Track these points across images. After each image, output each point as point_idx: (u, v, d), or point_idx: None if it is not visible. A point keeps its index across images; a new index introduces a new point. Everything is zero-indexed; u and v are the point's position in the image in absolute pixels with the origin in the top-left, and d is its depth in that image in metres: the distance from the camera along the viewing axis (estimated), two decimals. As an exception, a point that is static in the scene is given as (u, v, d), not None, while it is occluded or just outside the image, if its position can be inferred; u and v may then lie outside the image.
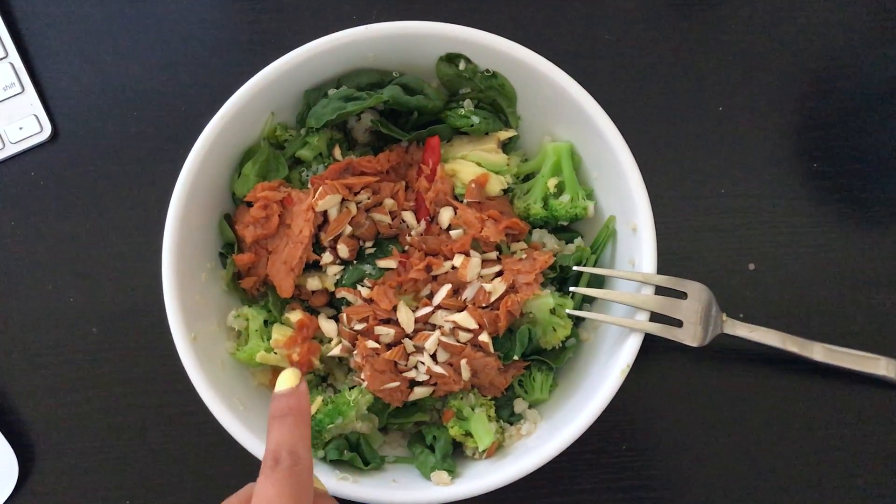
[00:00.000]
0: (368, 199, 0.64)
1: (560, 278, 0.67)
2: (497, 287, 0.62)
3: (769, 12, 0.80)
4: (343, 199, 0.63)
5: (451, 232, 0.65)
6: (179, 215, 0.61)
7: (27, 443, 0.71)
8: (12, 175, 0.76)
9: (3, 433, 0.70)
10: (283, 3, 0.79)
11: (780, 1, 0.80)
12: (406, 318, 0.62)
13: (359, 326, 0.63)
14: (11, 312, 0.74)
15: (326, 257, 0.64)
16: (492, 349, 0.62)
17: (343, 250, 0.64)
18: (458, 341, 0.62)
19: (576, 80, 0.63)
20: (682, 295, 0.63)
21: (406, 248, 0.65)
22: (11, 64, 0.77)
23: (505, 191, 0.68)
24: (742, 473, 0.71)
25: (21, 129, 0.76)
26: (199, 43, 0.79)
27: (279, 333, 0.63)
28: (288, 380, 0.51)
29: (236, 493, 0.50)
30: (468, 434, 0.63)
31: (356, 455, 0.62)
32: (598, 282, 0.66)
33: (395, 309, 0.63)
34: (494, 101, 0.67)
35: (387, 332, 0.62)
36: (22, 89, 0.77)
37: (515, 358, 0.63)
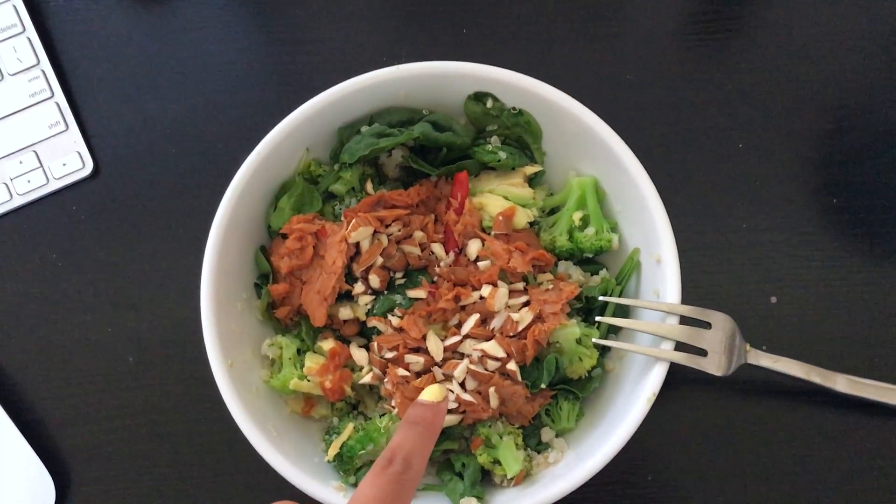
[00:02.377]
0: (399, 231, 0.66)
1: (586, 309, 0.68)
2: (524, 317, 0.64)
3: (787, 52, 0.82)
4: (375, 231, 0.65)
5: (478, 263, 0.66)
6: (218, 247, 0.63)
7: (64, 470, 0.73)
8: (55, 209, 0.79)
9: (41, 459, 0.72)
10: (317, 44, 0.83)
11: (798, 40, 0.82)
12: (435, 346, 0.64)
13: (389, 355, 0.64)
14: (51, 341, 0.76)
15: (358, 287, 0.66)
16: (519, 377, 0.64)
17: (374, 281, 0.66)
18: (486, 370, 0.63)
19: (599, 117, 0.65)
20: (707, 325, 0.64)
21: (435, 278, 0.67)
22: (57, 103, 0.80)
23: (531, 223, 0.69)
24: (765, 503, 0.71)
25: (64, 165, 0.79)
26: (235, 83, 0.82)
27: (312, 361, 0.65)
28: (433, 393, 0.52)
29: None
30: (496, 462, 0.64)
31: (386, 482, 0.63)
32: (623, 312, 0.67)
33: (424, 338, 0.64)
34: (520, 137, 0.69)
35: (416, 361, 0.63)
36: (66, 127, 0.80)
37: (543, 386, 0.64)
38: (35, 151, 0.79)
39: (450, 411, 0.64)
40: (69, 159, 0.79)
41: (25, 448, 0.72)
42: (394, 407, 0.63)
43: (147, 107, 0.81)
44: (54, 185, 0.79)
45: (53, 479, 0.72)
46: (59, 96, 0.80)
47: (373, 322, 0.65)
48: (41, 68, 0.81)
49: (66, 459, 0.73)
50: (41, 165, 0.79)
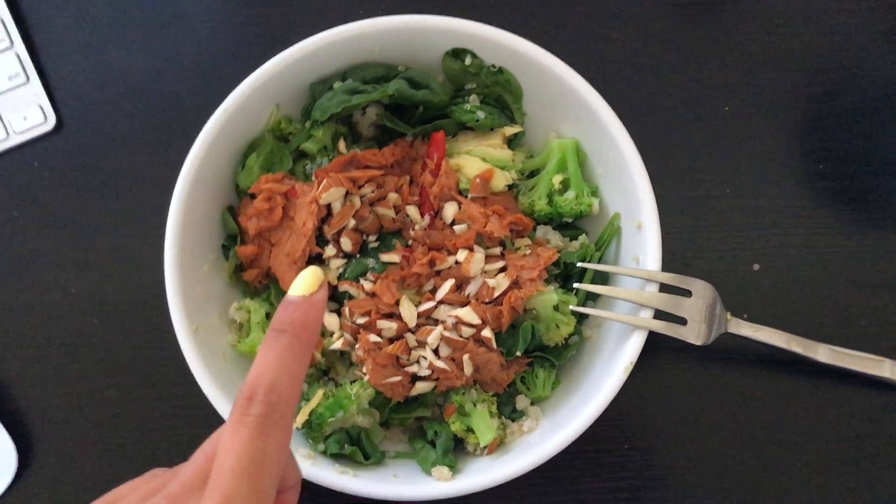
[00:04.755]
0: (372, 192, 0.64)
1: (564, 275, 0.66)
2: (500, 283, 0.62)
3: (775, 14, 0.80)
4: (347, 193, 0.63)
5: (455, 227, 0.65)
6: (182, 206, 0.61)
7: (26, 433, 0.71)
8: (16, 165, 0.76)
9: (3, 423, 0.70)
10: (290, -4, 0.80)
11: (786, 3, 0.80)
12: (409, 312, 0.62)
13: (361, 320, 0.62)
14: (13, 302, 0.74)
15: (329, 250, 0.64)
16: (494, 345, 0.62)
17: (346, 244, 0.64)
18: (460, 336, 0.62)
19: (582, 77, 0.63)
20: (687, 293, 0.63)
21: (410, 242, 0.65)
22: (17, 54, 0.77)
23: (510, 187, 0.67)
24: (744, 474, 0.71)
25: (25, 118, 0.76)
26: (205, 35, 0.79)
27: (281, 326, 0.63)
28: (304, 282, 0.39)
29: (208, 441, 0.41)
30: (470, 430, 0.63)
31: (356, 449, 0.62)
32: (602, 279, 0.65)
33: (397, 303, 0.62)
34: (500, 96, 0.67)
35: (389, 327, 0.62)
36: (27, 79, 0.77)
37: (518, 354, 0.63)
38: (-6, 104, 0.76)
39: (422, 378, 0.62)
40: (30, 113, 0.76)
41: (-14, 411, 0.70)
42: (365, 374, 0.62)
43: (112, 59, 0.78)
44: (15, 140, 0.76)
45: (15, 443, 0.70)
46: (20, 46, 0.77)
47: (344, 286, 0.64)
48: (0, 17, 0.77)
49: (29, 424, 0.71)
50: (1, 119, 0.76)
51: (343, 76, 0.65)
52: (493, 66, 0.65)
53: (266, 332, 0.40)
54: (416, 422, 0.66)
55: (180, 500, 0.38)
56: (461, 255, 0.63)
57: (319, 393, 0.62)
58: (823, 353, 0.69)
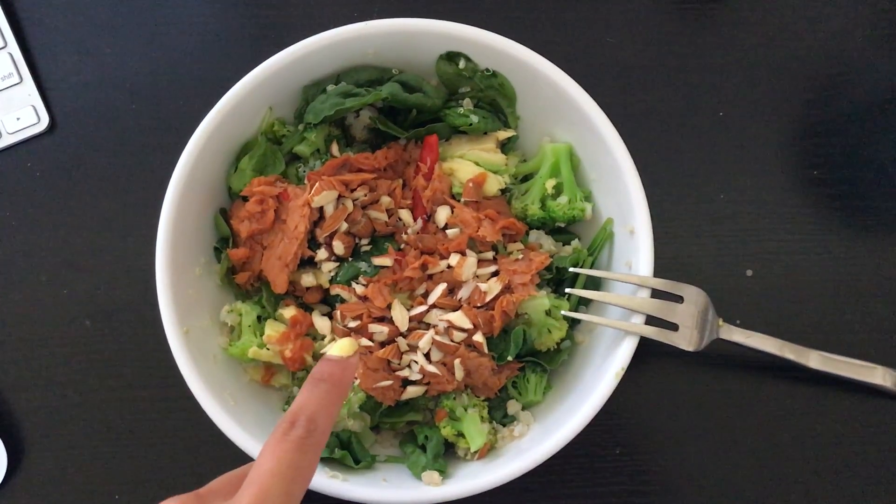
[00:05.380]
0: (365, 196, 0.64)
1: (556, 280, 0.66)
2: (493, 287, 0.62)
3: (770, 20, 0.80)
4: (339, 196, 0.63)
5: (447, 231, 0.64)
6: (174, 209, 0.60)
7: (17, 435, 0.71)
8: (8, 166, 0.76)
9: (-7, 425, 0.70)
10: (285, -2, 0.79)
11: (782, 8, 0.80)
12: (400, 316, 0.62)
13: (353, 324, 0.62)
14: (4, 303, 0.74)
15: (321, 254, 0.64)
16: (486, 349, 0.62)
17: (338, 247, 0.63)
18: (452, 341, 0.61)
19: (576, 82, 0.63)
20: (679, 299, 0.63)
21: (402, 246, 0.65)
22: (10, 54, 0.76)
23: (503, 191, 0.67)
24: (735, 480, 0.71)
25: (18, 119, 0.76)
26: (199, 37, 0.79)
27: (272, 329, 0.63)
28: (341, 347, 0.47)
29: (242, 467, 0.49)
30: (460, 434, 0.63)
31: (347, 453, 0.61)
32: (594, 284, 0.65)
33: (389, 307, 0.62)
34: (494, 100, 0.67)
35: (380, 331, 0.62)
36: (20, 80, 0.76)
37: (509, 359, 0.63)
38: (-13, 104, 0.76)
39: (413, 383, 0.62)
40: (23, 113, 0.76)
41: (-23, 412, 0.70)
42: (356, 378, 0.61)
43: (106, 60, 0.78)
44: (7, 140, 0.76)
45: (6, 444, 0.70)
46: (13, 47, 0.77)
47: (336, 290, 0.63)
48: (-7, 16, 0.77)
49: (20, 425, 0.71)
50: (-6, 119, 0.76)
51: (336, 79, 0.65)
52: (487, 69, 0.65)
53: (307, 380, 0.46)
54: (406, 426, 0.66)
55: (208, 499, 0.45)
56: (453, 259, 0.63)
57: (310, 396, 0.62)
58: (816, 360, 0.69)
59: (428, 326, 0.62)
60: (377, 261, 0.63)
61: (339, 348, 0.47)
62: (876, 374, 0.70)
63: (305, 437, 0.43)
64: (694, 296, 0.63)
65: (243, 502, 0.41)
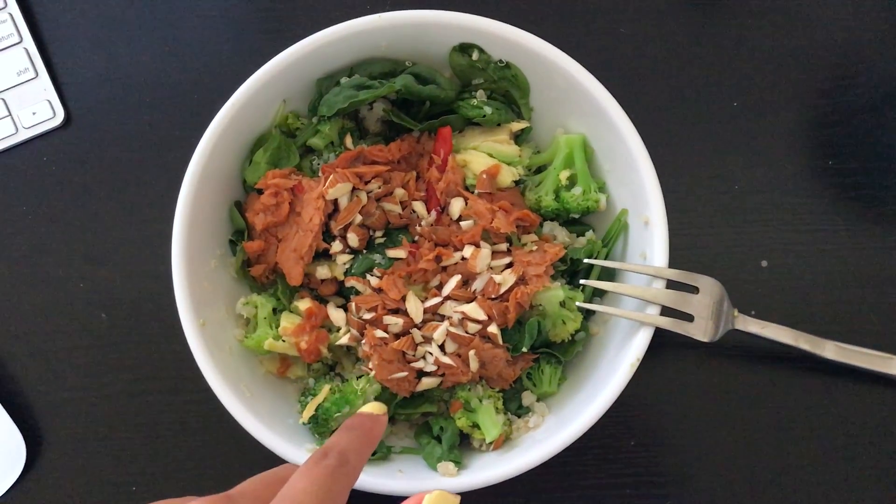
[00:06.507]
0: (379, 188, 0.64)
1: (571, 271, 0.66)
2: (507, 278, 0.62)
3: (785, 9, 0.79)
4: (354, 188, 0.63)
5: (461, 223, 0.64)
6: (189, 202, 0.61)
7: (35, 427, 0.72)
8: (24, 160, 0.76)
9: (12, 417, 0.71)
10: (297, -9, 0.79)
11: (797, -3, 0.80)
12: (415, 308, 0.62)
13: (367, 316, 0.62)
14: (22, 298, 0.74)
15: (336, 246, 0.64)
16: (500, 341, 0.62)
17: (353, 239, 0.64)
18: (466, 332, 0.62)
19: (590, 72, 0.62)
20: (694, 290, 0.62)
21: (416, 238, 0.65)
22: (26, 49, 0.77)
23: (516, 182, 0.67)
24: (750, 471, 0.71)
25: (34, 114, 0.76)
26: (212, 31, 0.79)
27: (288, 321, 0.63)
28: (374, 407, 0.50)
29: (272, 470, 0.49)
30: (475, 426, 0.63)
31: (363, 445, 0.62)
32: (608, 275, 0.65)
33: (404, 299, 0.62)
34: (507, 91, 0.67)
35: (395, 322, 0.62)
36: (35, 74, 0.77)
37: (524, 350, 0.63)
38: (3, 99, 0.76)
39: (428, 374, 0.62)
40: (39, 108, 0.76)
41: (-5, 405, 0.71)
42: (371, 369, 0.62)
43: (120, 54, 0.78)
44: (24, 135, 0.76)
45: (24, 437, 0.70)
46: (28, 42, 0.77)
47: (351, 282, 0.64)
48: (9, 12, 0.77)
49: (38, 418, 0.72)
50: (10, 114, 0.76)
51: (350, 71, 0.65)
52: (501, 61, 0.65)
53: (340, 427, 0.49)
54: (421, 417, 0.67)
55: (230, 500, 0.44)
56: (467, 251, 0.63)
57: (326, 388, 0.62)
58: (831, 350, 0.69)
59: (442, 318, 0.62)
60: (391, 253, 0.64)
61: (371, 407, 0.50)
62: (892, 365, 0.70)
63: (338, 467, 0.44)
64: (709, 286, 0.63)
65: None
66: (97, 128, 0.77)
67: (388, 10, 0.63)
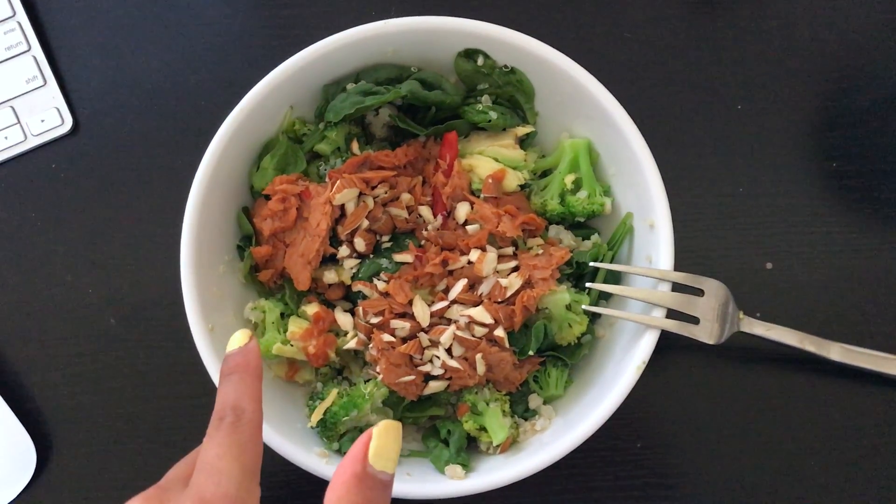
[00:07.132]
0: (385, 193, 0.65)
1: (576, 275, 0.66)
2: (513, 282, 0.62)
3: (789, 12, 0.80)
4: (360, 193, 0.64)
5: (467, 227, 0.65)
6: (198, 208, 0.61)
7: (45, 433, 0.72)
8: (33, 167, 0.77)
9: (22, 422, 0.71)
10: (303, -2, 0.80)
11: (800, 1, 0.80)
12: (422, 312, 0.62)
13: (375, 320, 0.63)
14: (30, 303, 0.75)
15: (343, 251, 0.64)
16: (507, 344, 0.62)
17: (360, 244, 0.64)
18: (473, 336, 0.62)
19: (594, 77, 0.63)
20: (699, 292, 0.63)
21: (422, 242, 0.65)
22: (34, 57, 0.78)
23: (522, 186, 0.68)
24: (757, 473, 0.71)
25: (43, 121, 0.77)
26: (219, 37, 0.79)
27: (295, 326, 0.64)
28: (235, 340, 0.50)
29: (192, 452, 0.50)
30: (482, 429, 0.63)
31: (371, 448, 0.62)
32: (614, 279, 0.65)
33: (410, 303, 0.63)
34: (512, 96, 0.67)
35: (402, 326, 0.62)
36: (44, 82, 0.77)
37: (531, 353, 0.63)
38: (12, 107, 0.77)
39: (435, 378, 0.63)
40: (48, 115, 0.77)
41: (6, 412, 0.71)
42: (379, 373, 0.62)
43: (127, 61, 0.79)
44: (32, 143, 0.77)
45: (35, 442, 0.71)
46: (37, 49, 0.78)
47: (358, 286, 0.64)
48: (17, 20, 0.78)
49: (48, 423, 0.72)
50: (18, 122, 0.77)
51: (356, 77, 0.66)
52: (506, 66, 0.65)
53: (218, 381, 0.49)
54: (429, 421, 0.67)
55: (169, 489, 0.47)
56: (474, 254, 0.63)
57: (333, 392, 0.62)
58: (837, 352, 0.69)
59: (449, 322, 0.63)
60: (398, 257, 0.64)
61: (234, 342, 0.50)
62: (898, 366, 0.70)
63: (236, 422, 0.46)
64: (714, 289, 0.63)
65: (200, 480, 0.44)
66: (105, 135, 0.78)
67: (394, 17, 0.63)
